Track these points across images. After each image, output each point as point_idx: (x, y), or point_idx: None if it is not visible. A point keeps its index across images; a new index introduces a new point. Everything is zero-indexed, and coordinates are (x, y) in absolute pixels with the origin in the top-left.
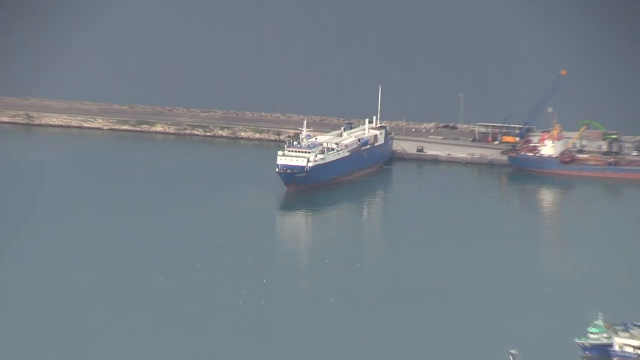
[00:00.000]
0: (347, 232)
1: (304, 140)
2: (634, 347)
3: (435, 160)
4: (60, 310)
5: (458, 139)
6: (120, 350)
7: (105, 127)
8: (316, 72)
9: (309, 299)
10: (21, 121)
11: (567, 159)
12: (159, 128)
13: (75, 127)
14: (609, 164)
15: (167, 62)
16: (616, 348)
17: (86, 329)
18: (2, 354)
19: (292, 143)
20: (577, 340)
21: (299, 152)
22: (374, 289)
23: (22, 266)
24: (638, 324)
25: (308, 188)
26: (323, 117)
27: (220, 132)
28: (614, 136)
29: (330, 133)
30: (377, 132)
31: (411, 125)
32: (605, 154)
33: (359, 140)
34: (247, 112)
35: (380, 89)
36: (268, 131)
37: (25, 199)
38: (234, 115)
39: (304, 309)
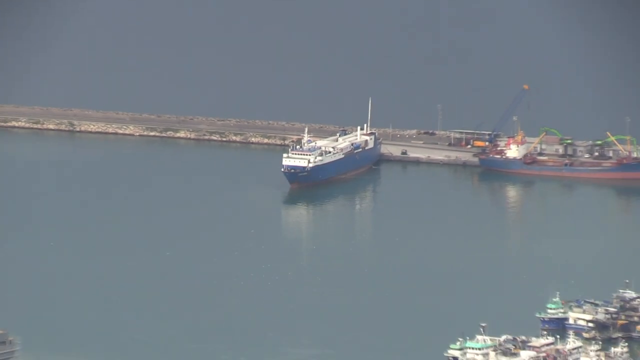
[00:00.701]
0: (342, 222)
1: (306, 144)
2: (586, 321)
3: (417, 162)
4: (124, 288)
5: (436, 144)
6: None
7: (136, 134)
8: (316, 86)
9: (307, 277)
10: (65, 128)
11: (529, 160)
12: (181, 134)
13: (111, 133)
14: (565, 164)
15: (187, 77)
16: (571, 321)
17: (139, 304)
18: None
19: (295, 147)
20: (538, 315)
21: (301, 154)
22: (364, 270)
23: (82, 250)
24: (589, 300)
25: (309, 185)
26: (321, 125)
27: (234, 138)
28: (569, 141)
29: (328, 138)
30: (367, 137)
31: (396, 132)
32: (561, 156)
33: (352, 144)
34: (257, 121)
35: (370, 102)
36: (275, 137)
37: (75, 193)
38: (245, 123)
39: (301, 286)
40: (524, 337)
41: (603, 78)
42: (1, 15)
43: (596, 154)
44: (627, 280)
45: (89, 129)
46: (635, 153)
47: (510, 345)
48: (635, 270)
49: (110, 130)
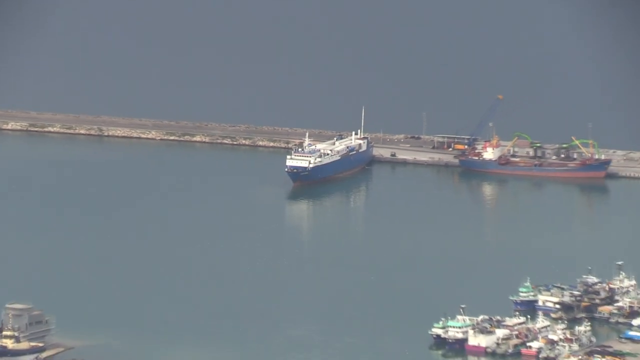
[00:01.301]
0: (338, 216)
1: (307, 147)
2: (553, 303)
3: (404, 163)
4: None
5: (421, 147)
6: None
7: (157, 138)
8: (316, 96)
9: (306, 263)
10: (94, 133)
11: (503, 161)
12: (197, 138)
13: (135, 137)
14: (535, 165)
15: (203, 88)
16: (540, 303)
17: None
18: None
19: (298, 149)
20: (511, 298)
21: (302, 156)
22: (357, 257)
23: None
24: (557, 285)
25: (309, 183)
26: (320, 130)
27: (243, 142)
28: (538, 144)
29: (326, 142)
30: (361, 141)
31: (386, 136)
32: (531, 157)
33: (347, 147)
34: (263, 126)
35: (363, 110)
36: (279, 140)
37: (104, 189)
38: (253, 128)
39: (301, 270)
40: (499, 317)
41: (568, 88)
42: (39, 28)
43: (562, 155)
44: (590, 268)
45: (116, 134)
46: (596, 155)
47: (487, 324)
48: (596, 258)
49: (134, 135)
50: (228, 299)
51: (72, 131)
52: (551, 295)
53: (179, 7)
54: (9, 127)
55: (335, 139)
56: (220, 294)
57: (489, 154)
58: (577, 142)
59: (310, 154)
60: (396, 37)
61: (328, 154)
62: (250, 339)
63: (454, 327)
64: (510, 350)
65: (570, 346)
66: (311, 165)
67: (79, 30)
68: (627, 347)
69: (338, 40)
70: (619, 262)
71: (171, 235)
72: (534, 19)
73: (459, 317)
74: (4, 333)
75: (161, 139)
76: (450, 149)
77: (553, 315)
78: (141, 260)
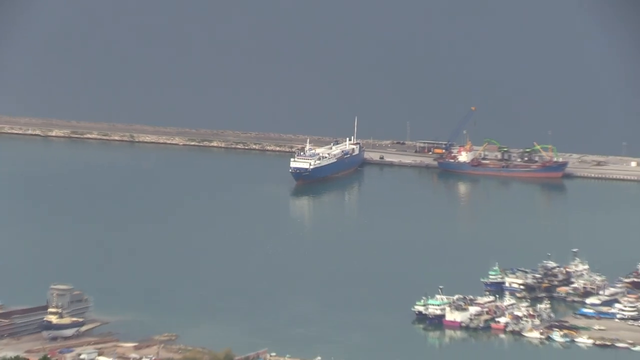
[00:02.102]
0: (334, 209)
1: (308, 151)
2: (518, 284)
3: (391, 165)
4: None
5: (405, 151)
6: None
7: (180, 143)
8: (315, 107)
9: (307, 250)
10: (127, 139)
11: (475, 163)
12: (214, 144)
13: (161, 143)
14: (502, 167)
15: (219, 100)
16: (507, 284)
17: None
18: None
19: (300, 153)
20: (482, 280)
21: (304, 159)
22: (350, 244)
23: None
24: (521, 269)
25: (310, 182)
26: (319, 137)
27: (254, 146)
28: (505, 149)
29: (324, 147)
30: (354, 146)
31: (375, 142)
32: (499, 160)
33: (342, 151)
34: (271, 133)
35: (356, 120)
36: (284, 145)
37: (136, 186)
38: (262, 135)
39: (302, 256)
40: (471, 296)
41: (531, 101)
42: (79, 48)
43: (526, 158)
44: (549, 254)
45: (145, 140)
46: (555, 158)
47: (461, 303)
48: (555, 246)
49: (161, 140)
50: (240, 280)
51: (107, 137)
52: (516, 277)
53: (199, 35)
54: (54, 134)
55: (332, 144)
56: (233, 275)
57: (463, 157)
58: (538, 147)
59: (310, 157)
60: (384, 58)
61: (326, 157)
62: (258, 313)
63: (433, 304)
64: (481, 325)
65: (532, 321)
66: (311, 167)
67: (114, 49)
68: (581, 322)
69: (336, 59)
70: (574, 250)
71: (192, 226)
72: (501, 40)
73: (438, 296)
74: (50, 310)
75: (184, 144)
76: (430, 153)
77: (518, 295)
78: (165, 247)
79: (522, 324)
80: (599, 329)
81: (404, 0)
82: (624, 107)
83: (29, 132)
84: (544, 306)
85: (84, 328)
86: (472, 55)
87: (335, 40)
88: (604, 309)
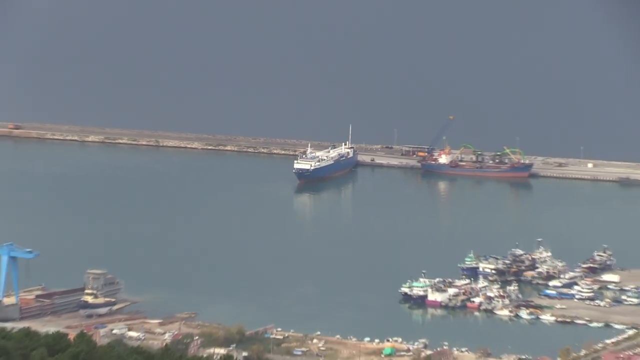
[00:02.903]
0: (332, 205)
1: (309, 154)
2: (490, 269)
3: (380, 166)
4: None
5: (393, 154)
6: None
7: (199, 147)
8: (315, 116)
9: (307, 240)
10: (152, 144)
11: (453, 165)
12: (228, 148)
13: (182, 147)
14: (476, 168)
15: (234, 110)
16: (481, 269)
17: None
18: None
19: (302, 156)
20: (459, 265)
21: (306, 160)
22: (346, 235)
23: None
24: (493, 256)
25: (311, 181)
26: (319, 142)
27: (262, 150)
28: (479, 152)
29: (323, 150)
30: (349, 150)
31: (367, 146)
32: (474, 162)
33: (339, 154)
34: (277, 139)
35: (350, 127)
36: (289, 149)
37: (162, 184)
38: (270, 140)
39: (303, 245)
40: (450, 280)
41: (501, 111)
42: (104, 58)
43: (497, 160)
44: (517, 243)
45: (168, 144)
46: (522, 160)
47: (441, 285)
48: (522, 236)
49: (182, 145)
50: (250, 265)
51: (136, 142)
52: (489, 263)
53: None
54: (90, 139)
55: (329, 148)
56: (244, 262)
57: (443, 159)
58: (508, 150)
59: (311, 159)
60: (377, 72)
61: (325, 159)
62: (266, 294)
63: (417, 286)
64: (458, 304)
65: (503, 301)
66: (312, 168)
67: (138, 61)
68: (544, 302)
69: (334, 74)
70: (539, 239)
71: (209, 219)
72: (477, 57)
73: (421, 279)
74: (86, 291)
75: (202, 148)
76: (415, 156)
77: (490, 278)
78: (186, 237)
79: (494, 303)
80: (561, 308)
81: (391, 21)
82: (582, 115)
83: (69, 137)
84: (512, 288)
85: (115, 307)
86: (451, 71)
87: (332, 58)
88: (565, 290)
